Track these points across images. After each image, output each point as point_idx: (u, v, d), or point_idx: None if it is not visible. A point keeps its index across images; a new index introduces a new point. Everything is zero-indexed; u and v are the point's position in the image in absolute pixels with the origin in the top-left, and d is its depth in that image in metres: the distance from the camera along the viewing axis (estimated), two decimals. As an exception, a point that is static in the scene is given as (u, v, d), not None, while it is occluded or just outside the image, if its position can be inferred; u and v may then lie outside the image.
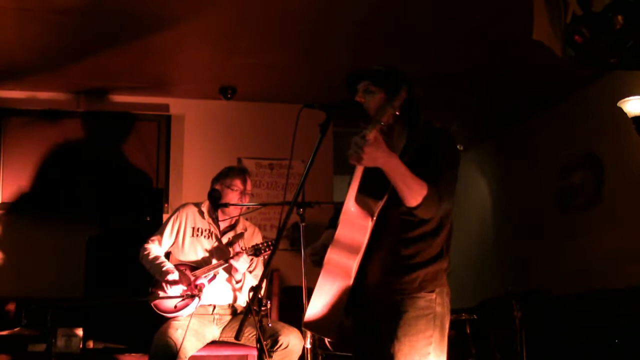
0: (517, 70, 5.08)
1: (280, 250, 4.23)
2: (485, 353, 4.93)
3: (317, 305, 2.30)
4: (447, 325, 2.33)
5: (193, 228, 3.94)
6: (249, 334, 3.61)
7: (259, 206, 4.89)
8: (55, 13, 4.14)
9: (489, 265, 6.56)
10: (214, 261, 3.83)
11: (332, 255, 2.31)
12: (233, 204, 3.88)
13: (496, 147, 6.74)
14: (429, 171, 2.21)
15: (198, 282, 3.73)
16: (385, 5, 4.14)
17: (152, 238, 3.93)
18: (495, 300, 4.97)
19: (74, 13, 4.15)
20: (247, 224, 4.12)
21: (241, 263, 3.74)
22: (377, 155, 2.14)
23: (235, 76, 5.25)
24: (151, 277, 3.82)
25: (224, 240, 3.94)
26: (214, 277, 3.81)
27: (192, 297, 3.65)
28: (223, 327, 3.84)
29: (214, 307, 3.83)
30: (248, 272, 3.86)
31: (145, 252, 3.86)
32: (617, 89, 4.77)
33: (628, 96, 4.44)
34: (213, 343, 3.82)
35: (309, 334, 3.13)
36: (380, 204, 2.28)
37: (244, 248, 3.82)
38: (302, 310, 3.00)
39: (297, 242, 3.08)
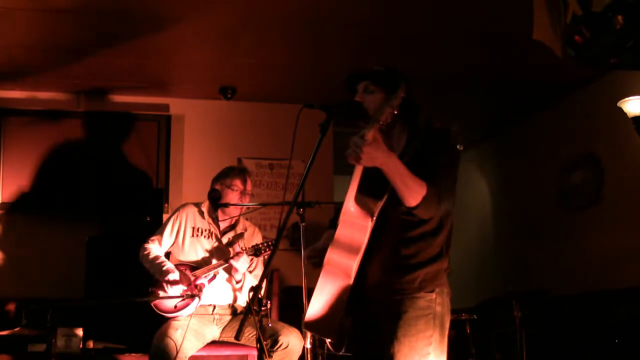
0: (517, 70, 5.08)
1: (280, 250, 4.22)
2: (485, 353, 4.94)
3: (318, 305, 2.30)
4: (447, 325, 2.33)
5: (193, 228, 3.94)
6: (249, 334, 3.61)
7: (259, 206, 4.89)
8: (56, 13, 4.14)
9: (489, 265, 6.56)
10: (214, 261, 3.83)
11: (332, 256, 2.31)
12: (233, 204, 3.88)
13: (496, 147, 6.74)
14: (428, 171, 2.21)
15: (198, 282, 3.73)
16: (386, 6, 4.14)
17: (152, 238, 3.93)
18: (495, 300, 4.97)
19: (74, 13, 4.15)
20: (247, 224, 4.12)
21: (241, 263, 3.74)
22: (376, 155, 2.14)
23: (235, 76, 5.25)
24: (151, 277, 3.82)
25: (224, 240, 3.94)
26: (214, 277, 3.81)
27: (192, 297, 3.65)
28: (223, 327, 3.84)
29: (214, 307, 3.83)
30: (248, 272, 3.86)
31: (146, 252, 3.86)
32: (617, 89, 4.77)
33: (628, 96, 4.43)
34: (213, 343, 3.82)
35: (309, 334, 3.13)
36: (380, 204, 2.28)
37: (244, 248, 3.82)
38: (302, 310, 3.00)
39: (297, 242, 3.08)
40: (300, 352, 3.58)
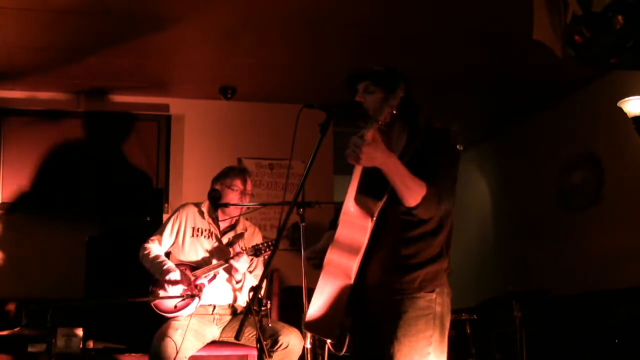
0: (517, 70, 5.08)
1: (280, 250, 4.22)
2: (485, 353, 4.94)
3: (318, 306, 2.29)
4: (447, 325, 2.33)
5: (193, 228, 3.94)
6: (249, 334, 3.61)
7: (259, 206, 4.89)
8: (56, 13, 4.14)
9: (489, 265, 6.56)
10: (214, 261, 3.83)
11: (332, 256, 2.31)
12: (233, 204, 3.88)
13: (496, 147, 6.74)
14: (428, 171, 2.21)
15: (198, 282, 3.73)
16: (386, 6, 4.14)
17: (152, 238, 3.93)
18: (495, 300, 4.97)
19: (74, 13, 4.15)
20: (247, 224, 4.11)
21: (241, 263, 3.73)
22: (376, 155, 2.14)
23: (235, 76, 5.25)
24: (151, 277, 3.82)
25: (224, 240, 3.94)
26: (214, 277, 3.81)
27: (192, 297, 3.64)
28: (223, 327, 3.84)
29: (214, 307, 3.83)
30: (248, 272, 3.86)
31: (146, 252, 3.86)
32: (617, 89, 4.77)
33: (628, 96, 4.43)
34: (213, 343, 3.82)
35: (309, 334, 3.13)
36: (380, 204, 2.28)
37: (244, 248, 3.82)
38: (302, 310, 3.00)
39: (297, 242, 3.07)
40: (300, 352, 3.58)
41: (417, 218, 2.26)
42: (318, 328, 2.34)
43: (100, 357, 4.28)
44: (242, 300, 3.89)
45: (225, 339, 3.81)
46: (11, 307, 4.87)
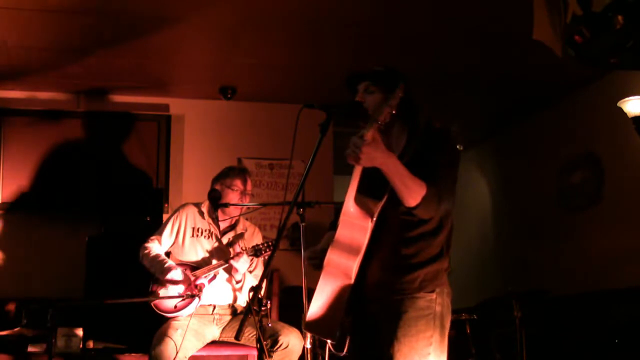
0: (517, 70, 5.08)
1: (280, 250, 4.23)
2: (485, 353, 4.94)
3: (318, 306, 2.29)
4: (447, 326, 2.33)
5: (193, 228, 3.94)
6: (249, 334, 3.61)
7: (259, 206, 4.89)
8: (56, 13, 4.14)
9: (489, 265, 6.56)
10: (214, 261, 3.83)
11: (332, 257, 2.31)
12: (233, 204, 3.88)
13: (496, 147, 6.74)
14: (428, 171, 2.21)
15: (198, 282, 3.73)
16: (386, 6, 4.14)
17: (152, 238, 3.93)
18: (495, 300, 4.97)
19: (73, 13, 4.15)
20: (248, 224, 4.11)
21: (241, 263, 3.73)
22: (375, 155, 2.14)
23: (235, 76, 5.25)
24: (151, 277, 3.82)
25: (224, 240, 3.94)
26: (214, 277, 3.81)
27: (192, 297, 3.64)
28: (223, 327, 3.84)
29: (214, 307, 3.83)
30: (248, 272, 3.86)
31: (146, 251, 3.86)
32: (617, 89, 4.77)
33: (628, 96, 4.43)
34: (213, 343, 3.82)
35: (309, 334, 3.13)
36: (380, 204, 2.28)
37: (244, 248, 3.81)
38: (302, 310, 3.00)
39: (297, 242, 3.07)
40: (300, 352, 3.58)
41: (417, 218, 2.26)
42: (318, 328, 2.34)
43: (100, 357, 4.28)
44: (242, 300, 3.89)
45: (225, 339, 3.81)
46: (11, 307, 4.87)
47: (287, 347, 3.55)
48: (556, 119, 5.75)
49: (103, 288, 4.58)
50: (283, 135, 5.34)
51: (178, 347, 3.51)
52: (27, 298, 4.76)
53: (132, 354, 4.21)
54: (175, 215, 3.99)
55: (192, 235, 3.92)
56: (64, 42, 4.56)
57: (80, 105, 5.47)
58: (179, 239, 3.92)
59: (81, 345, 4.22)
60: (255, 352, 3.76)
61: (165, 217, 4.80)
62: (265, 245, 3.79)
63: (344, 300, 2.28)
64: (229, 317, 3.86)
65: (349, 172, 2.42)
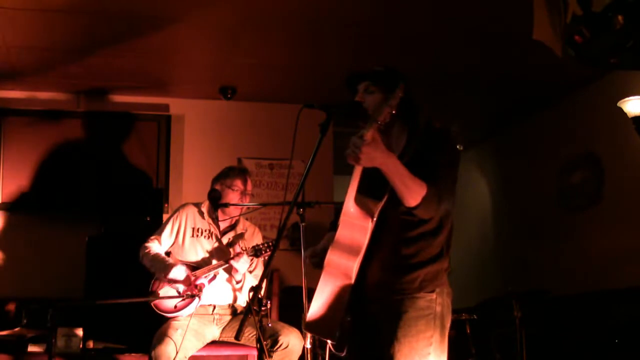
0: (517, 70, 5.08)
1: (280, 250, 4.23)
2: (485, 353, 4.94)
3: (318, 307, 2.29)
4: (447, 326, 2.33)
5: (193, 228, 3.94)
6: (249, 334, 3.61)
7: (259, 206, 4.89)
8: (56, 13, 4.14)
9: (489, 265, 6.56)
10: (214, 261, 3.83)
11: (332, 257, 2.31)
12: (233, 204, 3.88)
13: (496, 147, 6.74)
14: (428, 171, 2.21)
15: (198, 282, 3.73)
16: (386, 6, 4.14)
17: (152, 237, 3.93)
18: (495, 300, 4.97)
19: (74, 13, 4.15)
20: (248, 224, 4.11)
21: (241, 264, 3.73)
22: (375, 155, 2.13)
23: (235, 76, 5.25)
24: (151, 277, 3.82)
25: (224, 240, 3.94)
26: (214, 277, 3.81)
27: (192, 297, 3.64)
28: (223, 327, 3.84)
29: (214, 307, 3.83)
30: (248, 272, 3.86)
31: (146, 251, 3.86)
32: (617, 89, 4.77)
33: (628, 96, 4.43)
34: (213, 343, 3.82)
35: (309, 334, 3.13)
36: (380, 204, 2.28)
37: (244, 248, 3.81)
38: (302, 310, 3.00)
39: (297, 242, 3.08)
40: (300, 352, 3.58)
41: (417, 218, 2.25)
42: (318, 328, 2.34)
43: (100, 357, 4.28)
44: (242, 300, 3.89)
45: (225, 339, 3.81)
46: (11, 307, 4.87)
47: (287, 347, 3.55)
48: (556, 119, 5.75)
49: (103, 288, 4.58)
50: (283, 135, 5.34)
51: (178, 347, 3.51)
52: (27, 298, 4.76)
53: (132, 354, 4.21)
54: (175, 215, 3.99)
55: (192, 235, 3.92)
56: (64, 42, 4.56)
57: (80, 105, 5.47)
58: (179, 239, 3.92)
59: (81, 345, 4.22)
60: (255, 352, 3.76)
61: (165, 217, 4.80)
62: (265, 245, 3.79)
63: (344, 300, 2.28)
64: (229, 317, 3.86)
65: (349, 172, 2.42)
